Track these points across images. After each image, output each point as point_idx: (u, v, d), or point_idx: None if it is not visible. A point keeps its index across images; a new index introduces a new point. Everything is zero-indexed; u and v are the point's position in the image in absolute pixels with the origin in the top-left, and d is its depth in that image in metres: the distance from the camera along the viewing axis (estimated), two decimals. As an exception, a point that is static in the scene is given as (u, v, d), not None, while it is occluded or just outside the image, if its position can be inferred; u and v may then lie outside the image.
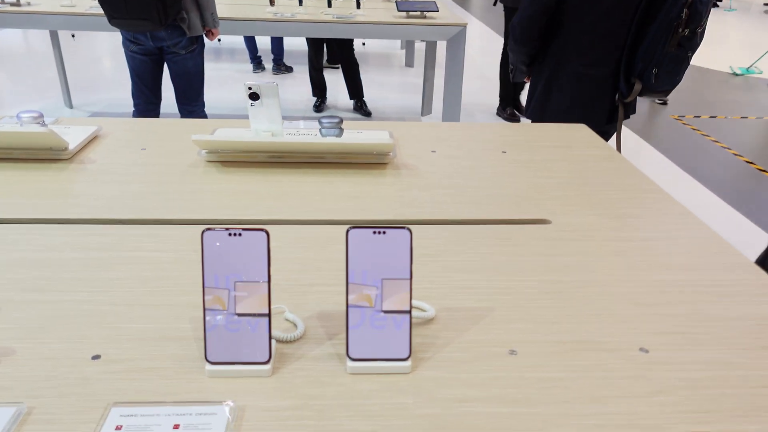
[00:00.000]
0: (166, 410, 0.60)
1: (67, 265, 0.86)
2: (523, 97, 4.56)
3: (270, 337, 0.66)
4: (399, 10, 3.55)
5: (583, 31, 1.84)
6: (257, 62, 5.66)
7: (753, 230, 2.94)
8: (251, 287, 0.66)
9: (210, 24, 2.84)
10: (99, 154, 1.27)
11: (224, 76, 5.49)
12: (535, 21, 1.86)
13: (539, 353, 0.71)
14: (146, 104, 2.98)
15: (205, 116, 3.15)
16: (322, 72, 4.57)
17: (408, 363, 0.67)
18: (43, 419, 0.59)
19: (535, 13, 1.85)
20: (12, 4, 3.42)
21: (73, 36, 7.08)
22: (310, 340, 0.72)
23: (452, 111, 3.63)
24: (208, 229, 0.65)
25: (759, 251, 2.60)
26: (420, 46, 6.71)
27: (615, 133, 2.02)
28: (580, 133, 1.48)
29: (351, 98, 4.55)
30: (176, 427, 0.58)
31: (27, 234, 0.94)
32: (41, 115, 1.25)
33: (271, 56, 5.60)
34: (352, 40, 4.33)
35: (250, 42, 5.59)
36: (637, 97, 1.91)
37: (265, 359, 0.66)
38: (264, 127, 1.24)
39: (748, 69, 6.12)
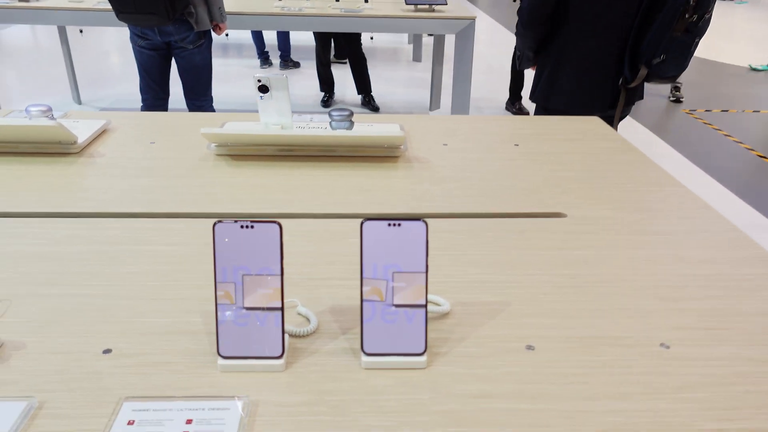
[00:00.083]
0: (178, 405, 0.59)
1: (77, 259, 0.85)
2: (524, 95, 4.51)
3: (283, 332, 0.65)
4: (407, 4, 3.52)
5: (590, 16, 1.84)
6: (264, 57, 5.65)
7: (766, 224, 2.90)
8: (263, 281, 0.65)
9: (218, 18, 2.83)
10: (108, 147, 1.26)
11: (232, 71, 5.48)
12: (543, 5, 1.84)
13: (557, 348, 0.69)
14: (154, 99, 2.98)
15: (213, 111, 3.14)
16: (329, 67, 4.56)
17: (423, 358, 0.66)
18: (54, 414, 0.58)
19: None
20: (20, 0, 3.42)
21: (81, 31, 7.10)
22: (323, 335, 0.71)
23: (461, 105, 3.61)
24: (220, 221, 0.64)
25: (773, 246, 2.57)
26: (428, 41, 6.68)
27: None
28: (593, 125, 1.46)
29: (359, 93, 4.53)
30: (189, 422, 0.57)
31: (37, 228, 0.93)
32: (50, 109, 1.24)
33: (278, 52, 5.59)
34: (359, 35, 4.30)
35: (258, 37, 5.58)
36: (645, 83, 1.90)
37: (279, 354, 0.65)
38: (274, 120, 1.23)
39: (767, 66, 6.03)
